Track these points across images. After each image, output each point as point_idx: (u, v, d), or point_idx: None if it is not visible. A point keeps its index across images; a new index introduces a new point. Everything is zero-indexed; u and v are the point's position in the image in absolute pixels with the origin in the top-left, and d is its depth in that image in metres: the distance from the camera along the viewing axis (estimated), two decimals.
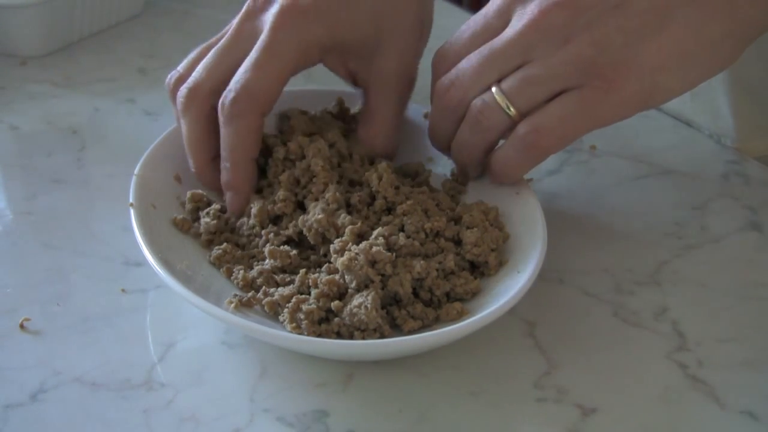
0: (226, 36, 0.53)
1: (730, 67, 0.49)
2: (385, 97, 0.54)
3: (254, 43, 0.52)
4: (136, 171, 0.52)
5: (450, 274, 0.48)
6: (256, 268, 0.49)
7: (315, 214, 0.49)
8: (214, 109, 0.52)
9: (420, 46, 0.55)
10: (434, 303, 0.47)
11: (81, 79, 0.73)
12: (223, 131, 0.51)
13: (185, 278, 0.47)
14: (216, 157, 0.53)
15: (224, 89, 0.51)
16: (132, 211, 0.50)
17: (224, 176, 0.52)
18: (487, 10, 0.50)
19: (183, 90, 0.52)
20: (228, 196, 0.52)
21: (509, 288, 0.46)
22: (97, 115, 0.68)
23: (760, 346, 0.48)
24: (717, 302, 0.51)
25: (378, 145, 0.54)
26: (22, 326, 0.48)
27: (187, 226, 0.52)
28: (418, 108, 0.59)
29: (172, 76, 0.54)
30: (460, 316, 0.46)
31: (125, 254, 0.53)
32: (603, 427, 0.43)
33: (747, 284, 0.52)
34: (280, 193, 0.51)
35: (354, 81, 0.55)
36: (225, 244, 0.50)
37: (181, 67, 0.54)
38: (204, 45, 0.55)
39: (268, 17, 0.52)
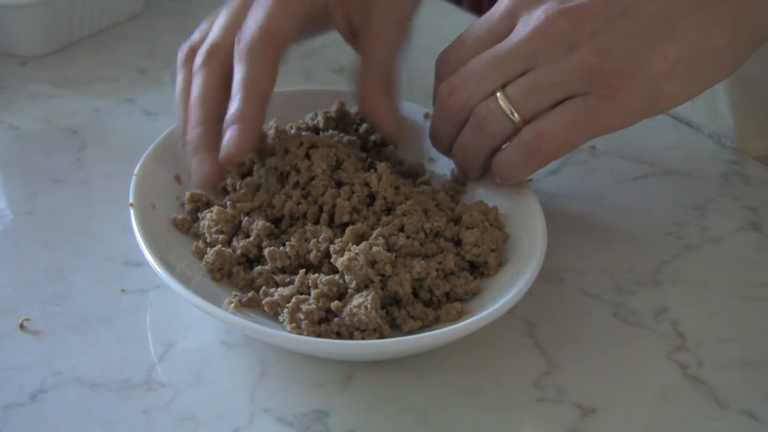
0: None
1: None
2: (381, 41, 0.53)
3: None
4: (136, 171, 0.52)
5: (450, 274, 0.48)
6: (256, 269, 0.49)
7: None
8: (230, 68, 0.51)
9: (413, 3, 0.55)
10: (434, 303, 0.47)
11: (81, 79, 0.73)
12: (240, 67, 0.50)
13: (185, 278, 0.47)
14: (218, 120, 0.50)
15: (296, 36, 0.51)
16: (132, 211, 0.50)
17: (232, 108, 0.49)
18: (492, 14, 0.50)
19: (203, 49, 0.51)
20: (231, 130, 0.49)
21: (509, 288, 0.46)
22: (97, 115, 0.68)
23: (760, 346, 0.48)
24: (717, 302, 0.51)
25: (374, 89, 0.53)
26: (22, 326, 0.48)
27: (187, 226, 0.52)
28: (418, 108, 0.59)
29: (185, 45, 0.53)
30: (460, 316, 0.46)
31: (125, 254, 0.53)
32: (603, 427, 0.43)
33: (747, 284, 0.52)
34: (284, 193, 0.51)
35: (354, 36, 0.55)
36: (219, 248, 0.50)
37: (194, 37, 0.54)
38: (213, 15, 0.54)
39: None
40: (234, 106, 0.49)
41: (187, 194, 0.53)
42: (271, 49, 0.50)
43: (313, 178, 0.51)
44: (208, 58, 0.51)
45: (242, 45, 0.50)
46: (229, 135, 0.49)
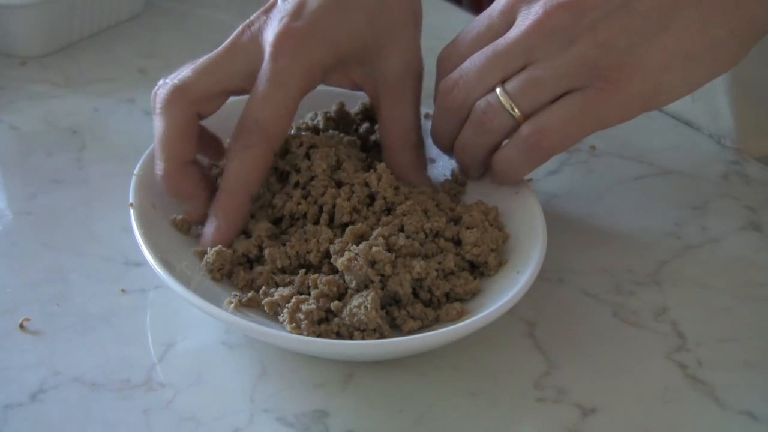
0: (222, 46, 0.52)
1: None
2: (398, 97, 0.52)
3: (249, 57, 0.51)
4: (136, 171, 0.52)
5: (450, 275, 0.48)
6: (256, 269, 0.49)
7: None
8: (196, 116, 0.51)
9: (418, 36, 0.54)
10: (434, 303, 0.47)
11: (81, 79, 0.73)
12: (231, 163, 0.50)
13: (185, 278, 0.47)
14: (188, 164, 0.51)
15: (211, 99, 0.50)
16: (132, 211, 0.50)
17: (215, 204, 0.50)
18: (491, 10, 0.50)
19: (169, 85, 0.50)
20: (211, 221, 0.50)
21: (509, 288, 0.46)
22: (97, 115, 0.68)
23: (760, 346, 0.48)
24: (717, 302, 0.51)
25: (406, 155, 0.53)
26: (22, 326, 0.48)
27: (187, 226, 0.52)
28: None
29: (158, 86, 0.52)
30: (460, 316, 0.46)
31: (125, 254, 0.53)
32: (603, 427, 0.43)
33: (747, 284, 0.52)
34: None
35: (360, 90, 0.54)
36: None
37: (168, 78, 0.52)
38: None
39: (265, 42, 0.51)
40: (216, 203, 0.50)
41: None
42: (263, 148, 0.50)
43: (313, 178, 0.51)
44: (173, 98, 0.50)
45: (239, 139, 0.50)
46: (210, 226, 0.50)
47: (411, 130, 0.53)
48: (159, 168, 0.50)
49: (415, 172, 0.53)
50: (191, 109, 0.50)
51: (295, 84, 0.50)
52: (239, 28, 0.52)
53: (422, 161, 0.54)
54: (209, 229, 0.50)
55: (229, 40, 0.52)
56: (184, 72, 0.51)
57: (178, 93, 0.50)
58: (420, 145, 0.54)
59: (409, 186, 0.52)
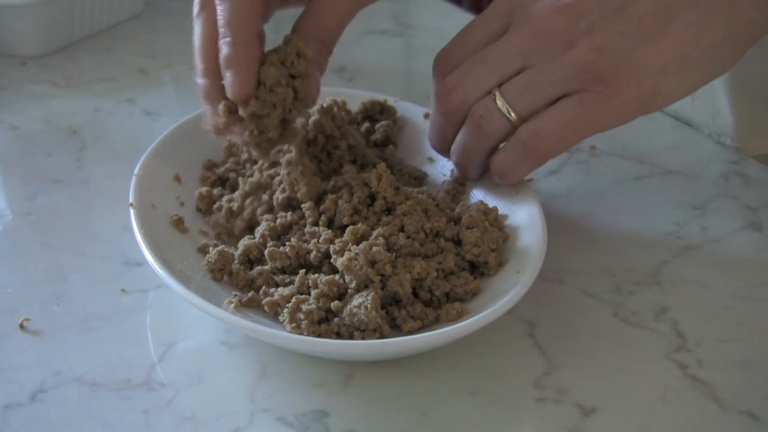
0: None
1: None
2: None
3: None
4: (136, 171, 0.52)
5: (450, 274, 0.48)
6: (256, 269, 0.49)
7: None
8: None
9: None
10: (434, 303, 0.47)
11: (81, 79, 0.73)
12: (221, 6, 0.48)
13: (185, 278, 0.47)
14: (257, 35, 0.49)
15: None
16: (132, 211, 0.50)
17: (222, 52, 0.48)
18: (488, 13, 0.50)
19: None
20: (227, 77, 0.48)
21: (509, 288, 0.46)
22: (97, 115, 0.68)
23: (760, 346, 0.48)
24: (717, 302, 0.51)
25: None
26: (22, 326, 0.48)
27: (181, 226, 0.52)
28: (418, 108, 0.59)
29: None
30: (460, 316, 0.46)
31: (125, 254, 0.53)
32: (603, 427, 0.43)
33: (747, 284, 0.52)
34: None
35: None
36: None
37: None
38: None
39: None
40: (223, 50, 0.48)
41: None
42: None
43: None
44: (202, 8, 0.49)
45: None
46: (227, 82, 0.48)
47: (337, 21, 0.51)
48: (226, 43, 0.47)
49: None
50: None
51: None
52: None
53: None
54: (227, 84, 0.48)
55: None
56: None
57: None
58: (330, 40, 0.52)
59: (411, 185, 0.52)
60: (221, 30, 0.48)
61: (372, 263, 0.46)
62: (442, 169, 0.56)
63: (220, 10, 0.48)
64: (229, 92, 0.48)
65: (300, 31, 0.50)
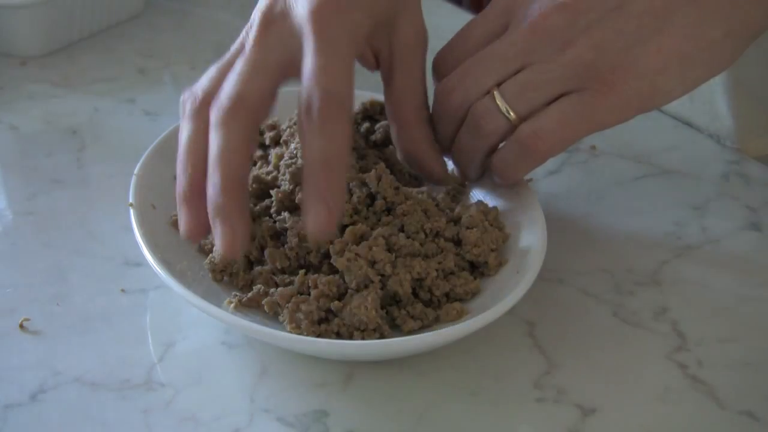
0: (251, 48, 0.47)
1: (729, 67, 0.49)
2: (411, 66, 0.50)
3: (285, 43, 0.46)
4: (136, 171, 0.52)
5: (450, 275, 0.48)
6: (256, 269, 0.49)
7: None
8: (257, 124, 0.46)
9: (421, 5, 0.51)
10: (434, 303, 0.47)
11: (81, 79, 0.73)
12: (316, 140, 0.44)
13: (185, 278, 0.47)
14: (245, 176, 0.46)
15: (265, 100, 0.46)
16: (132, 211, 0.50)
17: (210, 193, 0.45)
18: (487, 13, 0.50)
19: (224, 100, 0.45)
20: (217, 228, 0.45)
21: (509, 288, 0.46)
22: (96, 115, 0.68)
23: (760, 346, 0.48)
24: (717, 302, 0.51)
25: (422, 129, 0.50)
26: (21, 326, 0.48)
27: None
28: None
29: (190, 93, 0.48)
30: (460, 316, 0.46)
31: (125, 254, 0.53)
32: (603, 427, 0.43)
33: (747, 284, 0.52)
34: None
35: (375, 60, 0.52)
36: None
37: (202, 84, 0.48)
38: (219, 63, 0.48)
39: (301, 20, 0.46)
40: (212, 193, 0.45)
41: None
42: (243, 116, 0.45)
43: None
44: (233, 111, 0.45)
45: (314, 113, 0.44)
46: (217, 234, 0.45)
47: (424, 101, 0.51)
48: (214, 184, 0.45)
49: (432, 146, 0.51)
50: (254, 117, 0.46)
51: (349, 50, 0.46)
52: (257, 18, 0.47)
53: (433, 136, 0.52)
54: (218, 236, 0.44)
55: (252, 34, 0.47)
56: (230, 82, 0.46)
57: (238, 103, 0.45)
58: (430, 119, 0.52)
59: (411, 185, 0.52)
60: (311, 162, 0.44)
61: (372, 263, 0.46)
62: None
63: (319, 143, 0.44)
64: (222, 250, 0.44)
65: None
